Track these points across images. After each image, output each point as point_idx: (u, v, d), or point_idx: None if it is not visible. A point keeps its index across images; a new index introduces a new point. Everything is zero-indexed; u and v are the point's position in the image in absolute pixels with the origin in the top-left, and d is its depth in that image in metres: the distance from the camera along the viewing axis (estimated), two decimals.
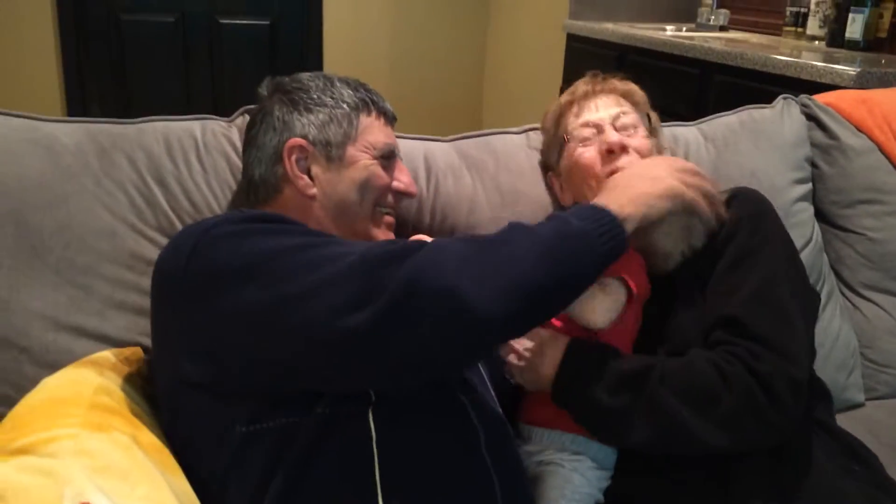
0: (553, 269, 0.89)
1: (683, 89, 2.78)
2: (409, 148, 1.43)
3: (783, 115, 1.69)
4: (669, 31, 3.30)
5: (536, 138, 1.51)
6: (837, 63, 2.27)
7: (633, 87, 1.36)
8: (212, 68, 4.25)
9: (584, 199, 1.26)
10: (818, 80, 2.23)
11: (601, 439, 1.11)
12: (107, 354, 1.12)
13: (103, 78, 4.11)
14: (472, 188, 1.43)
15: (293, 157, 1.13)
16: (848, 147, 1.66)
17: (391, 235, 1.19)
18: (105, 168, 1.23)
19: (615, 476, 1.14)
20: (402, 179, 1.20)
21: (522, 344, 1.13)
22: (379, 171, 1.16)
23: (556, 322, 1.15)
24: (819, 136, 1.69)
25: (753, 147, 1.61)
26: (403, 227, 1.39)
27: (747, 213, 1.20)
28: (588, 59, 3.34)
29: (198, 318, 0.94)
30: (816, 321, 1.27)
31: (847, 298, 1.65)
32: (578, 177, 1.28)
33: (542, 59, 3.97)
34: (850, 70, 2.18)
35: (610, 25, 3.32)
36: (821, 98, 1.75)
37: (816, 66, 2.26)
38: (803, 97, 1.74)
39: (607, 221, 0.96)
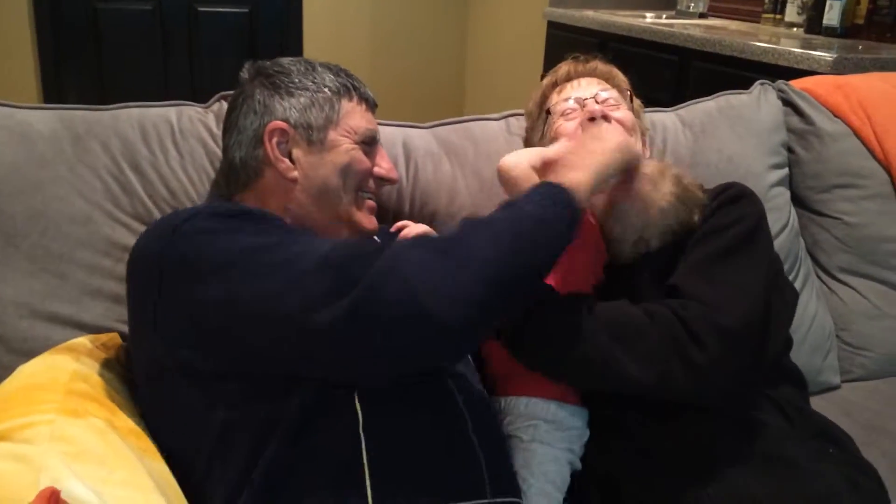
0: (512, 261, 0.90)
1: (663, 76, 2.79)
2: (388, 134, 1.42)
3: (760, 101, 1.70)
4: (649, 18, 3.31)
5: (516, 124, 1.51)
6: (815, 49, 2.28)
7: (614, 70, 1.38)
8: (190, 57, 4.21)
9: None
10: (796, 66, 2.25)
11: (529, 364, 1.11)
12: (83, 341, 1.11)
13: (80, 67, 4.06)
14: (452, 175, 1.43)
15: (274, 140, 1.12)
16: (824, 132, 1.67)
17: (373, 220, 1.19)
18: (79, 154, 1.22)
19: (595, 454, 1.14)
20: (383, 165, 1.19)
21: None
22: (360, 155, 1.15)
23: None
24: (795, 121, 1.70)
25: (731, 132, 1.62)
26: (383, 214, 1.39)
27: (727, 200, 1.21)
28: (569, 46, 3.31)
29: (176, 306, 0.94)
30: (792, 317, 1.28)
31: (823, 282, 1.67)
32: None
33: (523, 47, 3.97)
34: (828, 56, 2.19)
35: (590, 13, 3.32)
36: (797, 84, 1.76)
37: (794, 52, 2.28)
38: (780, 83, 1.75)
39: (557, 196, 0.98)
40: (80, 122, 1.24)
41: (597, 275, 1.18)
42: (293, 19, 4.31)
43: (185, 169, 1.27)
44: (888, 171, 1.66)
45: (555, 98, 1.35)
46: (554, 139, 1.28)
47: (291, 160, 1.13)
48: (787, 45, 2.39)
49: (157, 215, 1.23)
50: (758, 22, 3.21)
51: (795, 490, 1.05)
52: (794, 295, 1.31)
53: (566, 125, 1.28)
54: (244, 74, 1.19)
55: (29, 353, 1.08)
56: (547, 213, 0.96)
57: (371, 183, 1.18)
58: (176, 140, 1.28)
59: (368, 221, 1.18)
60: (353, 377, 0.94)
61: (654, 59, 2.84)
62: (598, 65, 1.37)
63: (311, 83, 1.15)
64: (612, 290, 1.17)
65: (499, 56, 4.35)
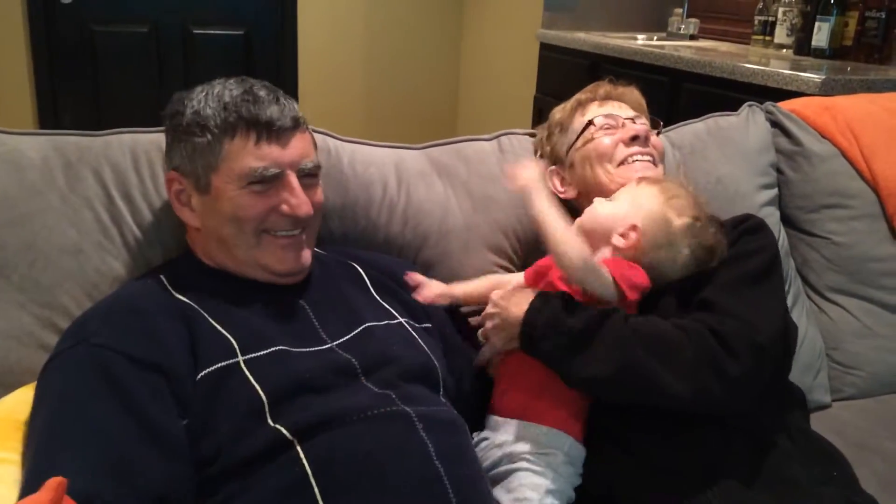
0: None
1: (654, 97, 2.77)
2: (380, 156, 1.44)
3: (748, 122, 1.71)
4: (641, 39, 3.34)
5: (508, 144, 1.52)
6: (804, 71, 2.31)
7: (644, 103, 1.48)
8: (185, 79, 4.23)
9: (591, 188, 1.34)
10: (785, 87, 2.27)
11: (563, 374, 1.11)
12: None
13: (76, 89, 4.08)
14: (444, 194, 1.45)
15: (173, 190, 1.14)
16: (812, 153, 1.69)
17: (291, 258, 1.13)
18: (71, 183, 1.22)
19: (592, 461, 1.15)
20: (289, 201, 1.10)
21: (487, 310, 1.20)
22: (247, 200, 1.08)
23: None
24: (784, 142, 1.72)
25: (720, 154, 1.64)
26: (375, 234, 1.41)
27: (750, 228, 1.26)
28: (561, 67, 3.37)
29: None
30: (794, 352, 1.29)
31: (813, 302, 1.68)
32: (595, 160, 1.35)
33: (516, 68, 4.00)
34: (816, 77, 2.22)
35: (582, 35, 3.35)
36: (785, 105, 1.78)
37: (783, 73, 2.30)
38: (768, 104, 1.77)
39: None
40: (72, 149, 1.25)
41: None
42: (288, 40, 4.34)
43: None
44: (875, 191, 1.68)
45: (594, 110, 1.40)
46: (590, 150, 1.36)
47: (192, 207, 1.13)
48: (776, 66, 2.42)
49: (145, 246, 1.24)
50: (748, 44, 3.24)
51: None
52: (795, 328, 1.32)
53: (604, 140, 1.35)
54: (165, 109, 1.16)
55: (16, 385, 1.08)
56: None
57: (276, 222, 1.11)
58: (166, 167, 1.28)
59: (280, 261, 1.12)
60: None
61: (645, 80, 2.84)
62: (635, 92, 1.46)
63: (196, 126, 1.09)
64: (638, 309, 1.19)
65: (492, 77, 4.38)
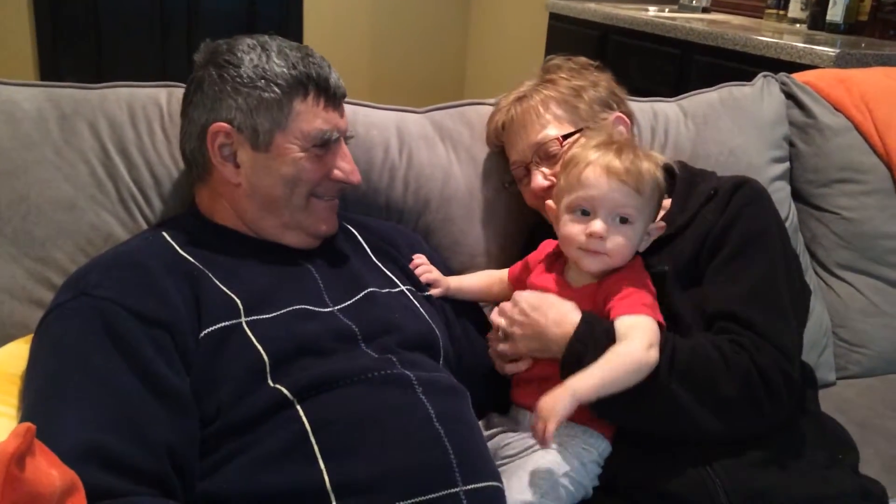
0: None
1: (665, 69, 2.76)
2: (382, 118, 1.41)
3: (763, 93, 1.68)
4: (652, 11, 3.28)
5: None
6: (818, 45, 2.26)
7: (546, 89, 1.29)
8: (188, 43, 4.17)
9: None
10: (798, 60, 2.22)
11: (600, 413, 1.07)
12: None
13: (78, 56, 4.03)
14: (447, 158, 1.42)
15: (217, 143, 1.07)
16: (825, 126, 1.65)
17: (332, 221, 1.14)
18: (66, 136, 1.19)
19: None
20: (342, 168, 1.11)
21: (513, 312, 1.13)
22: (309, 164, 1.08)
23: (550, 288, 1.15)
24: (797, 114, 1.68)
25: (733, 124, 1.60)
26: (376, 198, 1.38)
27: (748, 201, 1.19)
28: (570, 38, 3.31)
29: None
30: (808, 316, 1.27)
31: (821, 278, 1.65)
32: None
33: (524, 38, 3.94)
34: (830, 51, 2.17)
35: (592, 5, 3.29)
36: (799, 77, 1.74)
37: (796, 46, 2.25)
38: (782, 75, 1.73)
39: None
40: (67, 101, 1.21)
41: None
42: (293, 4, 4.27)
43: (173, 154, 1.24)
44: (889, 166, 1.64)
45: (510, 158, 1.34)
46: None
47: (237, 163, 1.08)
48: (789, 39, 2.37)
49: (142, 202, 1.22)
50: (761, 17, 3.18)
51: (807, 491, 1.05)
52: (808, 291, 1.29)
53: (527, 192, 1.30)
54: (197, 57, 1.11)
55: (7, 339, 1.06)
56: None
57: (327, 186, 1.12)
58: (164, 124, 1.25)
59: (324, 225, 1.13)
60: None
61: (655, 52, 2.81)
62: (528, 107, 1.29)
63: (260, 80, 1.06)
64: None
65: (500, 47, 4.32)
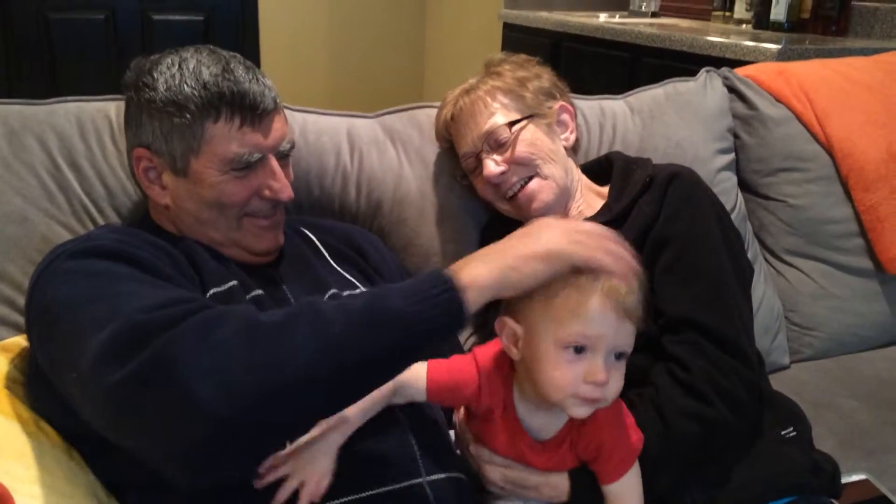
0: (332, 371, 0.78)
1: (616, 73, 2.82)
2: (333, 124, 1.42)
3: (706, 87, 1.72)
4: (602, 18, 3.34)
5: None
6: (762, 42, 2.32)
7: (493, 84, 1.30)
8: (143, 50, 4.14)
9: None
10: (743, 58, 2.28)
11: None
12: (18, 340, 1.08)
13: (32, 78, 3.98)
14: (397, 161, 1.43)
15: (141, 167, 1.06)
16: (767, 117, 1.70)
17: (271, 238, 1.11)
18: (15, 151, 1.19)
19: None
20: (271, 186, 1.06)
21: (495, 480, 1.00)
22: (231, 187, 1.04)
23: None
24: (740, 107, 1.72)
25: (678, 118, 1.64)
26: (329, 203, 1.39)
27: (685, 195, 1.19)
28: (524, 46, 3.33)
29: (35, 345, 0.94)
30: (751, 292, 1.28)
31: (770, 265, 1.69)
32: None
33: (479, 48, 3.98)
34: (773, 47, 2.23)
35: (545, 14, 3.35)
36: (741, 71, 1.79)
37: (741, 44, 2.31)
38: (724, 70, 1.78)
39: (438, 295, 0.80)
40: (15, 117, 1.21)
41: None
42: (249, 24, 4.26)
43: (124, 165, 1.24)
44: (830, 153, 1.69)
45: (458, 150, 1.33)
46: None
47: (163, 185, 1.06)
48: (735, 39, 2.43)
49: (95, 214, 1.22)
50: (708, 20, 3.26)
51: (761, 469, 1.09)
52: (750, 269, 1.30)
53: (479, 182, 1.30)
54: (126, 77, 1.08)
55: None
56: (414, 315, 0.80)
57: (258, 205, 1.07)
58: (115, 135, 1.25)
59: (261, 244, 1.10)
60: (134, 450, 0.81)
61: (606, 56, 2.87)
62: (475, 98, 1.29)
63: (172, 104, 1.01)
64: None
65: (456, 56, 4.36)
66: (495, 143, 1.26)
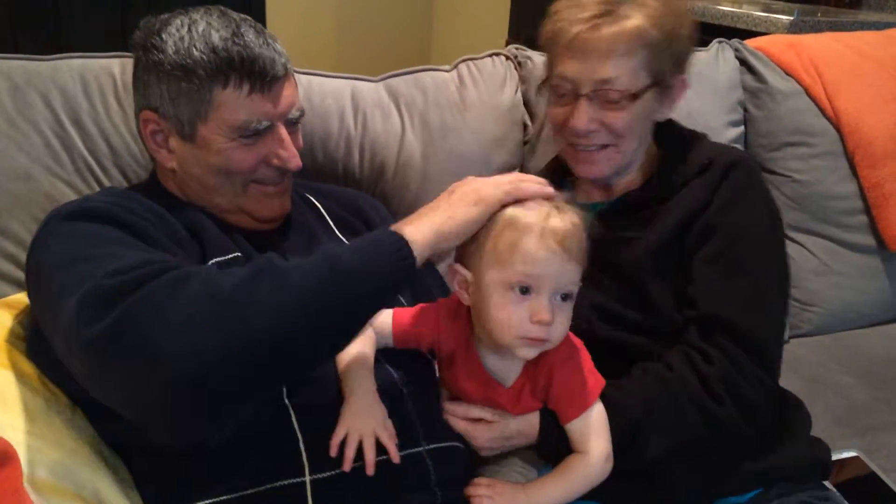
0: (296, 323, 0.79)
1: None
2: (337, 87, 1.41)
3: (718, 59, 1.71)
4: None
5: (467, 73, 1.50)
6: (774, 13, 2.29)
7: (635, 40, 1.07)
8: (149, 8, 4.08)
9: None
10: (754, 28, 2.25)
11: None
12: (21, 297, 1.09)
13: (37, 34, 3.94)
14: (401, 125, 1.42)
15: (149, 130, 1.05)
16: (776, 90, 1.68)
17: (276, 205, 1.10)
18: (18, 107, 1.19)
19: None
20: (279, 153, 1.05)
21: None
22: (239, 154, 1.03)
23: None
24: (749, 79, 1.71)
25: (690, 89, 1.62)
26: (332, 167, 1.38)
27: (743, 185, 1.12)
28: (534, 4, 3.31)
29: (33, 304, 0.95)
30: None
31: None
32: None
33: (488, 9, 3.94)
34: (785, 19, 2.20)
35: None
36: (751, 43, 1.77)
37: (752, 14, 2.28)
38: (735, 41, 1.76)
39: (390, 246, 0.86)
40: (19, 73, 1.21)
41: None
42: None
43: (128, 124, 1.24)
44: (838, 129, 1.68)
45: (559, 66, 1.12)
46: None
47: (170, 149, 1.05)
48: (748, 9, 2.39)
49: (99, 172, 1.22)
50: None
51: (759, 466, 1.07)
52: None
53: (557, 110, 1.14)
54: (135, 36, 1.06)
55: None
56: (360, 270, 0.83)
57: (265, 173, 1.06)
58: (118, 94, 1.25)
59: (267, 211, 1.10)
60: (111, 403, 0.83)
61: None
62: (616, 33, 1.07)
63: (180, 68, 0.99)
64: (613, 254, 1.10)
65: (465, 14, 4.32)
66: (604, 98, 1.09)
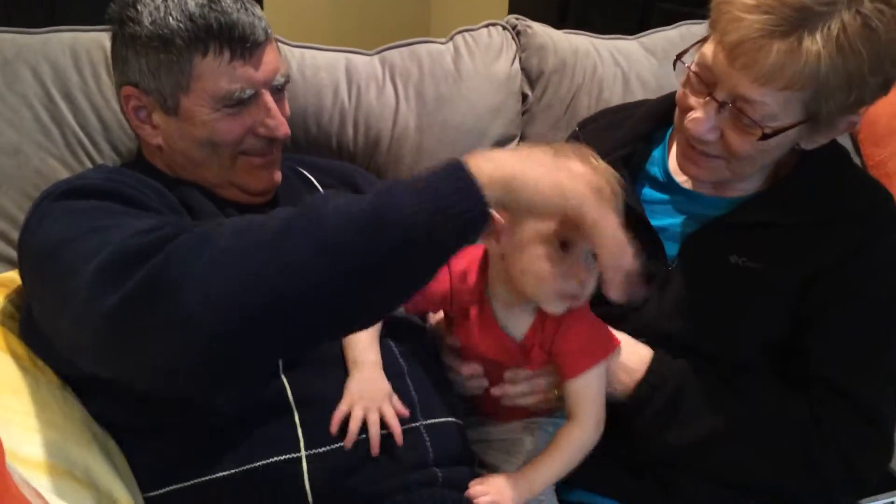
0: (331, 275, 0.70)
1: (627, 17, 2.75)
2: (331, 60, 1.39)
3: None
4: None
5: (463, 45, 1.48)
6: None
7: (797, 72, 0.86)
8: None
9: None
10: None
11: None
12: (13, 275, 1.07)
13: (30, 5, 3.90)
14: (395, 98, 1.41)
15: (131, 106, 1.02)
16: None
17: (265, 176, 1.07)
18: (8, 81, 1.17)
19: None
20: (266, 122, 1.02)
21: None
22: (224, 125, 1.00)
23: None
24: None
25: None
26: (327, 141, 1.37)
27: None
28: None
29: (27, 289, 0.94)
30: None
31: None
32: None
33: None
34: None
35: None
36: None
37: None
38: None
39: (455, 193, 0.70)
40: (8, 46, 1.19)
41: None
42: None
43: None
44: None
45: (705, 49, 0.95)
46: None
47: (154, 124, 1.02)
48: None
49: (90, 147, 1.20)
50: None
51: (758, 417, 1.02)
52: None
53: (685, 93, 0.98)
54: (110, 10, 1.02)
55: None
56: (421, 224, 0.69)
57: (253, 143, 1.04)
58: (110, 68, 1.21)
59: (257, 183, 1.07)
60: (128, 378, 0.80)
61: (617, 0, 2.81)
62: (785, 61, 0.85)
63: (158, 38, 0.96)
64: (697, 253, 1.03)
65: None
66: (737, 114, 0.91)
